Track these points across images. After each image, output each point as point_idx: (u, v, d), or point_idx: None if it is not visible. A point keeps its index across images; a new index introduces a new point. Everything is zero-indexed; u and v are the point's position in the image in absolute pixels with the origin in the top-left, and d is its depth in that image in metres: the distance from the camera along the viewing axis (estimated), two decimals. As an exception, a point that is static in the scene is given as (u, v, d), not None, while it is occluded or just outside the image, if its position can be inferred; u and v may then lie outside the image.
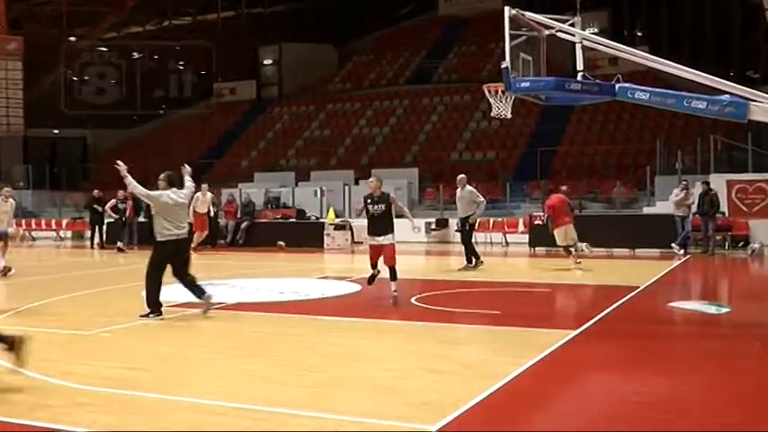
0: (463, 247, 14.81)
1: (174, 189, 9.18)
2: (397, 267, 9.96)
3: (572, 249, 14.85)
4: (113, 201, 20.97)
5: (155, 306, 8.92)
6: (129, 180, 8.96)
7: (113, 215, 20.98)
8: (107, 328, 8.27)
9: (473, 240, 15.00)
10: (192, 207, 18.51)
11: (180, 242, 9.03)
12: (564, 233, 14.73)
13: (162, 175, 9.23)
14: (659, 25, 35.44)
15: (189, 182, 9.59)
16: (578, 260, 14.61)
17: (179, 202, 9.09)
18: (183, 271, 9.12)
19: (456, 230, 22.95)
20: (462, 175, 14.93)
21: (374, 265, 10.18)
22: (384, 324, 8.59)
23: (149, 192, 9.08)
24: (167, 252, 8.95)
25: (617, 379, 6.26)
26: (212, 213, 20.52)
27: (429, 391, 5.59)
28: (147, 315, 8.84)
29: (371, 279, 10.39)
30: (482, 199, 14.74)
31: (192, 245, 19.22)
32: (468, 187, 14.75)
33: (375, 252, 10.07)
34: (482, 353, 7.05)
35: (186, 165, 9.85)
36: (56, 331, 8.17)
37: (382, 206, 9.95)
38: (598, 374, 6.45)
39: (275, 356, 6.92)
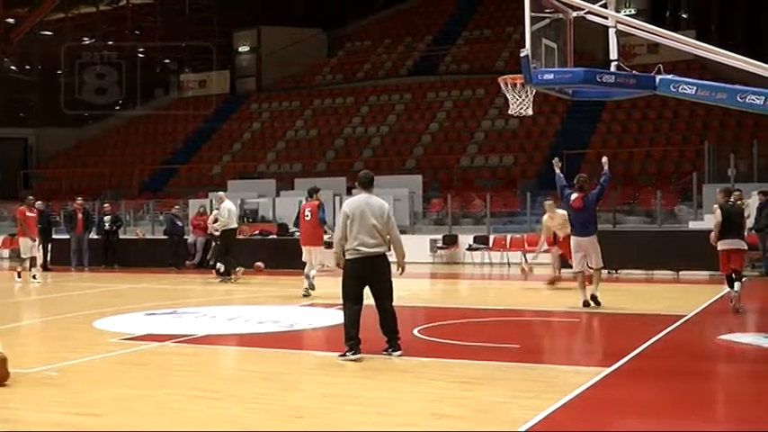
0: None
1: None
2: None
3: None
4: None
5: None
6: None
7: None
8: (53, 366, 8.26)
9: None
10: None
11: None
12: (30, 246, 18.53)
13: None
14: (708, 6, 35.57)
15: None
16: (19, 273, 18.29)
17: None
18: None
19: (438, 248, 23.84)
20: (220, 193, 18.32)
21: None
22: (383, 360, 8.60)
23: None
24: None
25: (658, 426, 6.27)
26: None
27: (437, 440, 5.60)
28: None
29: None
30: (224, 219, 17.41)
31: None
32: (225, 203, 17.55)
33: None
34: (499, 395, 7.06)
35: None
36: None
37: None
38: (635, 420, 6.46)
39: (255, 399, 6.91)
